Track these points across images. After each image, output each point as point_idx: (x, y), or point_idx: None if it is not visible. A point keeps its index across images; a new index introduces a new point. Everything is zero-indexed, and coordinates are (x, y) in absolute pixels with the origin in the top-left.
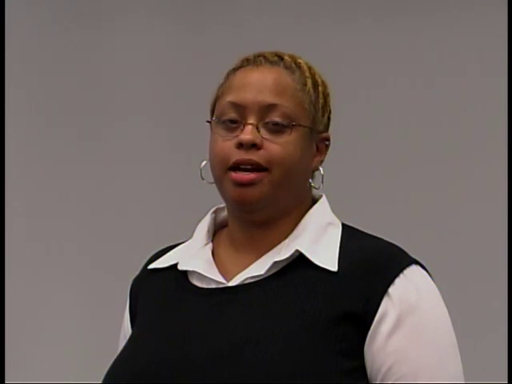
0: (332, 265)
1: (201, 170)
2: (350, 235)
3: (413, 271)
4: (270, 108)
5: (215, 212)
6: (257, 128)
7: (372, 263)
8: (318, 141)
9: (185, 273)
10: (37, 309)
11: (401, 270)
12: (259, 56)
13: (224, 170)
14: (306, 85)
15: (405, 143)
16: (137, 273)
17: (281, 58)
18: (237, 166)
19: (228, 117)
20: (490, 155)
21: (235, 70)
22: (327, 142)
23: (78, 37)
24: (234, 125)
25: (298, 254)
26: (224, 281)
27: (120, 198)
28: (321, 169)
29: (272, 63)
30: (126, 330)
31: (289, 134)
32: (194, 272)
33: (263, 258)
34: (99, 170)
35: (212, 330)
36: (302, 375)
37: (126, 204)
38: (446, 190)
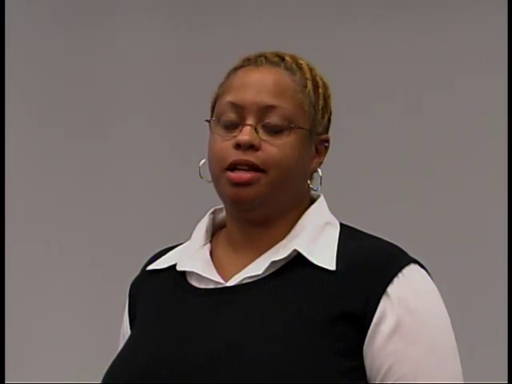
0: (330, 264)
1: (199, 168)
2: (348, 235)
3: (412, 271)
4: (268, 109)
5: (214, 213)
6: (255, 129)
7: (371, 263)
8: (317, 142)
9: (183, 273)
10: (37, 309)
11: (400, 270)
12: (260, 56)
13: (221, 169)
14: (306, 86)
15: (404, 144)
16: (136, 273)
17: (282, 58)
18: (234, 167)
19: (227, 117)
20: (490, 155)
21: (236, 69)
22: (326, 144)
23: (78, 37)
24: (233, 125)
25: (295, 253)
26: (222, 281)
27: (120, 198)
28: (319, 170)
29: (273, 64)
30: (125, 330)
31: (287, 135)
32: (192, 272)
33: (261, 257)
34: (99, 169)
35: (210, 330)
36: (300, 375)
37: (126, 204)
38: (446, 190)
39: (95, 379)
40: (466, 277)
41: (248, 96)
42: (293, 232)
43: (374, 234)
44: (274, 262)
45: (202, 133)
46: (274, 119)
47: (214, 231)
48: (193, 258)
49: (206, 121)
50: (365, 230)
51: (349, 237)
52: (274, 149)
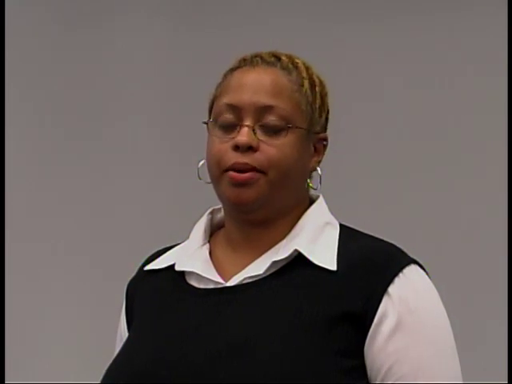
0: (331, 264)
1: (198, 169)
2: (348, 235)
3: (412, 271)
4: (266, 109)
5: (212, 213)
6: (253, 130)
7: (371, 263)
8: (315, 141)
9: (182, 273)
10: (37, 309)
11: (400, 270)
12: (256, 56)
13: (220, 171)
14: (302, 85)
15: (404, 143)
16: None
17: (278, 58)
18: (233, 168)
19: (224, 118)
20: (490, 155)
21: (232, 70)
22: (325, 143)
23: (78, 37)
24: (231, 126)
25: (296, 253)
26: (222, 281)
27: (120, 198)
28: (318, 169)
29: (269, 64)
30: (123, 331)
31: (285, 135)
32: (191, 273)
33: (261, 257)
34: (99, 170)
35: (210, 330)
36: (300, 375)
37: (125, 204)
38: (446, 191)
39: (95, 379)
40: (466, 277)
41: (245, 97)
42: (293, 232)
43: (374, 235)
44: (274, 262)
45: (202, 133)
46: (271, 119)
47: (213, 231)
48: (192, 258)
49: (204, 122)
50: (364, 231)
51: (349, 237)
52: (272, 149)
